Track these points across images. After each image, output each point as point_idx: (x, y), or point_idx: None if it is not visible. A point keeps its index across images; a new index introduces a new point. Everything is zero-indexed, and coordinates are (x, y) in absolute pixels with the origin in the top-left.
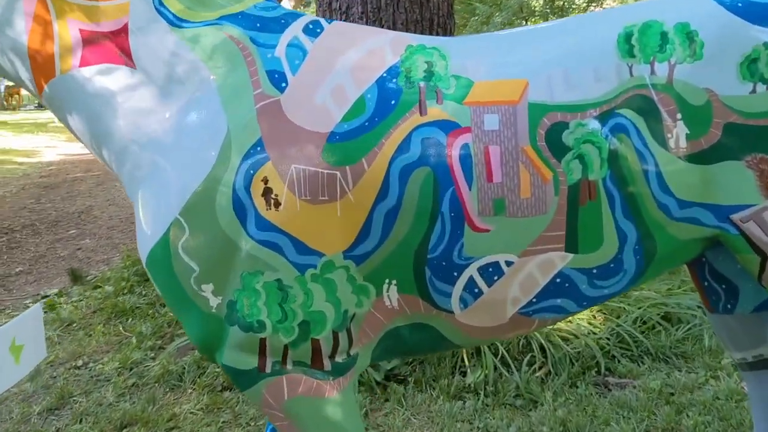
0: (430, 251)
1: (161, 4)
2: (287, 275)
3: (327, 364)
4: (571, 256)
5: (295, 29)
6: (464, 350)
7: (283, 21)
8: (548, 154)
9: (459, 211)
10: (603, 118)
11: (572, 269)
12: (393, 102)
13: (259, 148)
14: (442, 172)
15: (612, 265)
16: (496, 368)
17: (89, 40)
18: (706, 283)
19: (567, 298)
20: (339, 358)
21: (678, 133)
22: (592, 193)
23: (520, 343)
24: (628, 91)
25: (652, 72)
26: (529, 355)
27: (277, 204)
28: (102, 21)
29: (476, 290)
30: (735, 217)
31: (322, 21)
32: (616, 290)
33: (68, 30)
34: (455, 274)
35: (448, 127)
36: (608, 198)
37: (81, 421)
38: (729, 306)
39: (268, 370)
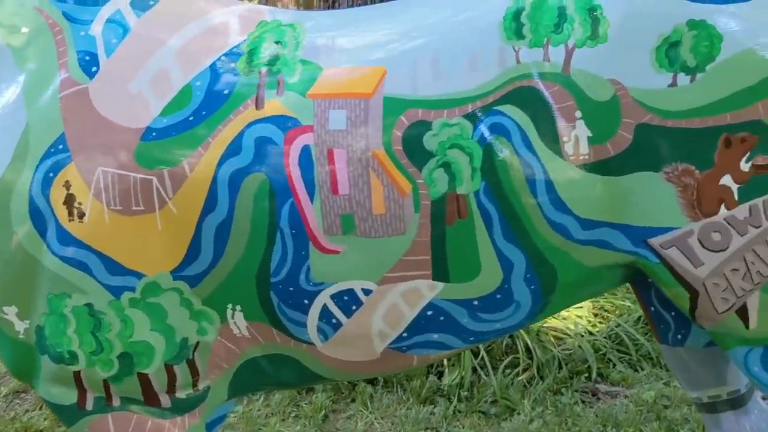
0: (273, 274)
1: None
2: (99, 299)
3: (165, 401)
4: (441, 285)
5: (120, 2)
6: None
7: None
8: (406, 160)
9: (301, 228)
10: (477, 117)
11: (445, 300)
12: (226, 92)
13: (61, 146)
14: (278, 181)
15: (498, 296)
16: (475, 370)
17: None
18: (652, 309)
19: (446, 333)
20: (181, 394)
21: (577, 135)
22: (462, 210)
23: (504, 343)
24: (513, 82)
25: (545, 58)
26: (512, 356)
27: (81, 214)
28: None
29: (334, 321)
30: (653, 242)
31: None
32: (513, 323)
33: None
34: (306, 301)
35: (287, 124)
36: (483, 216)
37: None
38: (679, 337)
39: (89, 407)
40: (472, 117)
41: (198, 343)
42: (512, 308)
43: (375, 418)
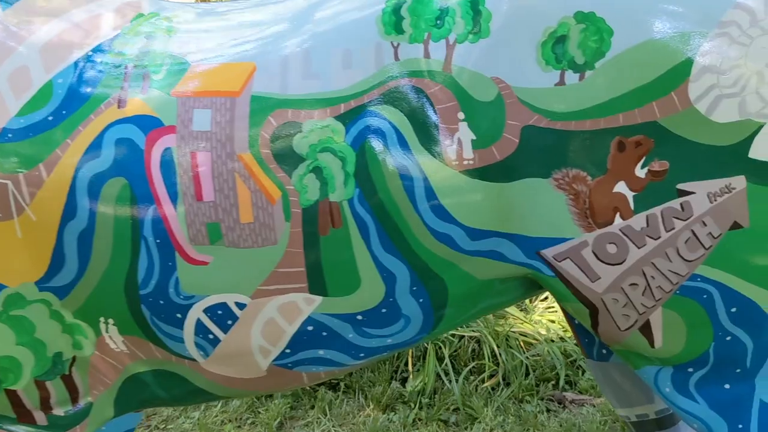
0: (141, 286)
1: None
2: None
3: (41, 418)
4: (319, 299)
5: None
6: (409, 352)
7: None
8: (275, 165)
9: (165, 238)
10: (350, 118)
11: (326, 315)
12: (89, 90)
13: None
14: (139, 186)
15: (384, 311)
16: (439, 376)
17: None
18: (575, 321)
19: (332, 349)
20: (58, 411)
21: (460, 139)
22: (336, 219)
23: (471, 348)
24: (390, 81)
25: (426, 55)
26: (478, 362)
27: None
28: None
29: (211, 336)
30: (546, 253)
31: None
32: (407, 338)
33: None
34: (178, 315)
35: (148, 124)
36: (359, 226)
37: None
38: (604, 351)
39: None
40: (344, 118)
41: (74, 358)
42: (401, 323)
43: (333, 426)
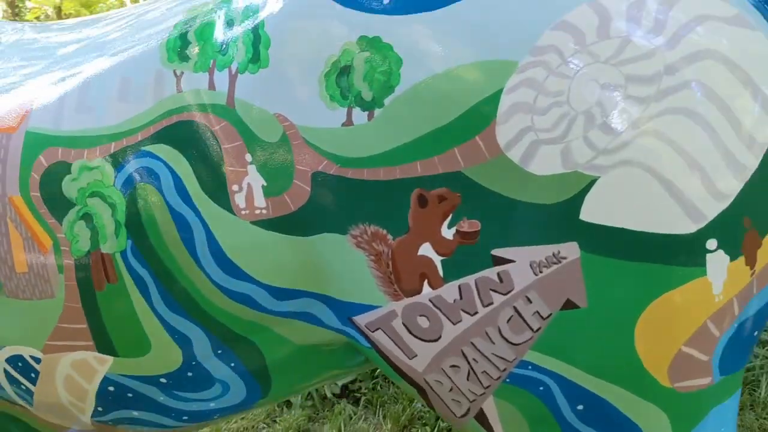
0: None
1: None
2: None
3: None
4: (110, 359)
5: None
6: None
7: None
8: (45, 210)
9: None
10: (121, 159)
11: (123, 376)
12: None
13: None
14: None
15: (190, 374)
16: None
17: None
18: None
19: (147, 410)
20: None
21: (250, 184)
22: (110, 274)
23: None
24: (170, 116)
25: (211, 85)
26: None
27: None
28: None
29: (23, 387)
30: (358, 321)
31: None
32: (236, 403)
33: None
34: None
35: None
36: (136, 282)
37: None
38: None
39: None
40: (115, 159)
41: None
42: (219, 387)
43: None
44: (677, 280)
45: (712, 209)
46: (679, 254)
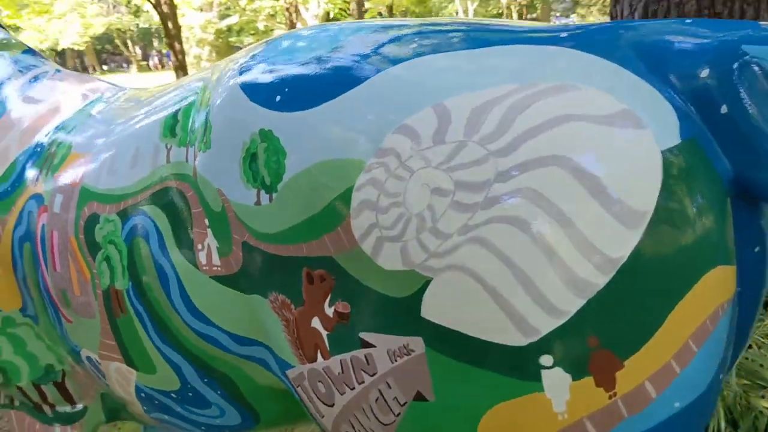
0: (57, 330)
1: None
2: None
3: (48, 410)
4: (134, 372)
5: (13, 84)
6: None
7: (20, 71)
8: (86, 250)
9: (48, 295)
10: (126, 215)
11: (147, 387)
12: (30, 167)
13: None
14: (35, 252)
15: (191, 395)
16: None
17: None
18: None
19: (173, 417)
20: (60, 408)
21: (209, 245)
22: (122, 306)
23: None
24: (161, 182)
25: (187, 158)
26: None
27: None
28: None
29: (104, 382)
30: (288, 374)
31: (47, 72)
32: (237, 423)
33: None
34: (78, 356)
35: (40, 202)
36: (137, 316)
37: None
38: None
39: (1, 401)
40: (123, 214)
41: (63, 371)
42: (216, 409)
43: None
44: (513, 392)
45: (545, 324)
46: (512, 366)
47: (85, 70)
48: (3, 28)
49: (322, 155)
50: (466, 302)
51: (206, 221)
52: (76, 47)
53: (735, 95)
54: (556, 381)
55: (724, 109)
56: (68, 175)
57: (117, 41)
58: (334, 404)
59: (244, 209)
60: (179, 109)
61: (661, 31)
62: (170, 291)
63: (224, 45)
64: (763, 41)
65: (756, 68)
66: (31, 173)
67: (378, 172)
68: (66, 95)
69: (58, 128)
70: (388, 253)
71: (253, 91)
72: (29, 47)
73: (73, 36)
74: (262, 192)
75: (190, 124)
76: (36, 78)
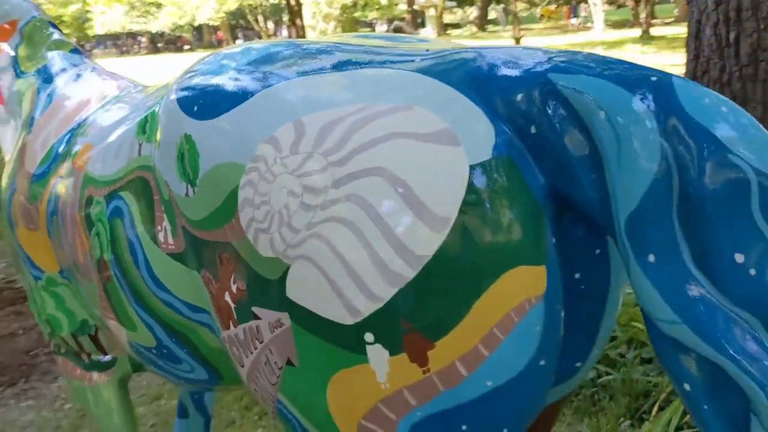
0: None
1: (15, 58)
2: (31, 281)
3: (85, 358)
4: (123, 329)
5: (61, 79)
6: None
7: (62, 70)
8: (85, 225)
9: (69, 261)
10: (109, 198)
11: (134, 343)
12: (61, 152)
13: (13, 179)
14: (60, 223)
15: (165, 351)
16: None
17: None
18: None
19: (159, 369)
20: (95, 357)
21: (165, 227)
22: (108, 274)
23: None
24: (133, 172)
25: (151, 152)
26: None
27: (15, 224)
28: None
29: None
30: (221, 338)
31: (87, 69)
32: (205, 378)
33: None
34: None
35: (66, 182)
36: (119, 282)
37: None
38: None
39: (52, 348)
40: (108, 197)
41: (96, 326)
42: (186, 365)
43: None
44: (347, 362)
45: (366, 307)
46: (345, 340)
47: (219, 44)
48: (57, 29)
49: (220, 158)
50: (311, 286)
51: (162, 207)
52: (211, 22)
53: (541, 117)
54: (377, 355)
55: (533, 129)
56: (79, 162)
57: (249, 17)
58: (244, 365)
59: (180, 199)
60: (151, 110)
61: (494, 60)
62: (139, 264)
63: (349, 20)
64: (565, 71)
65: (557, 94)
66: (60, 158)
67: (253, 175)
68: (96, 91)
69: (82, 121)
70: (262, 242)
71: (182, 101)
72: (76, 46)
73: (208, 12)
74: (189, 186)
75: (155, 123)
76: (78, 75)
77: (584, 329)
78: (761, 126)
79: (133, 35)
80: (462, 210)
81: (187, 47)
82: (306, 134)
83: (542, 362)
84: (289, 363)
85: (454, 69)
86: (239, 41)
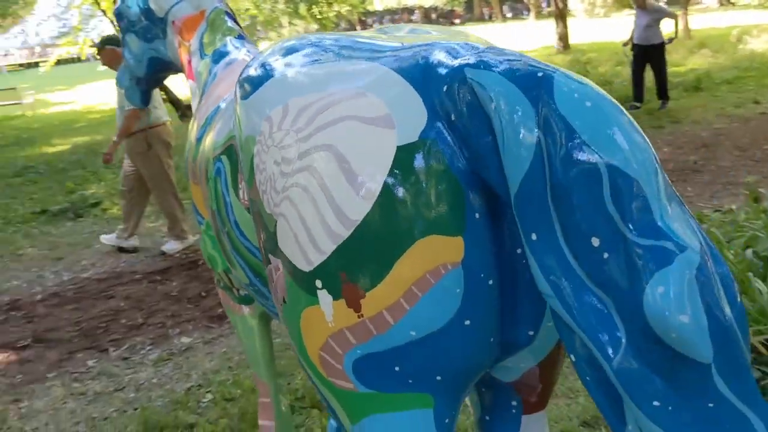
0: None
1: (201, 42)
2: (198, 225)
3: (235, 292)
4: (233, 269)
5: (224, 62)
6: None
7: (227, 53)
8: (209, 181)
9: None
10: (216, 160)
11: (241, 281)
12: (209, 119)
13: (189, 141)
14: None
15: (256, 288)
16: None
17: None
18: None
19: (264, 303)
20: (242, 292)
21: (243, 186)
22: (217, 223)
23: None
24: (230, 140)
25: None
26: None
27: (190, 178)
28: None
29: None
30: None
31: (242, 54)
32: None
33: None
34: None
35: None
36: (222, 230)
37: None
38: None
39: (215, 281)
40: (216, 159)
41: None
42: (271, 301)
43: None
44: (308, 302)
45: (316, 258)
46: (306, 284)
47: (490, 18)
48: (231, 17)
49: (246, 132)
50: (286, 238)
51: (240, 168)
52: None
53: (459, 107)
54: (324, 299)
55: (453, 117)
56: (211, 131)
57: None
58: (275, 293)
59: (241, 165)
60: None
61: (439, 54)
62: (229, 215)
63: None
64: (475, 66)
65: (469, 87)
66: (209, 125)
67: (259, 146)
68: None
69: (224, 99)
70: (265, 201)
71: (240, 84)
72: (241, 32)
73: None
74: (240, 151)
75: None
76: (234, 60)
77: (531, 300)
78: (626, 121)
79: (408, 10)
80: (386, 183)
81: (457, 21)
82: (288, 114)
83: (467, 322)
84: (283, 300)
85: (408, 61)
86: (508, 15)
